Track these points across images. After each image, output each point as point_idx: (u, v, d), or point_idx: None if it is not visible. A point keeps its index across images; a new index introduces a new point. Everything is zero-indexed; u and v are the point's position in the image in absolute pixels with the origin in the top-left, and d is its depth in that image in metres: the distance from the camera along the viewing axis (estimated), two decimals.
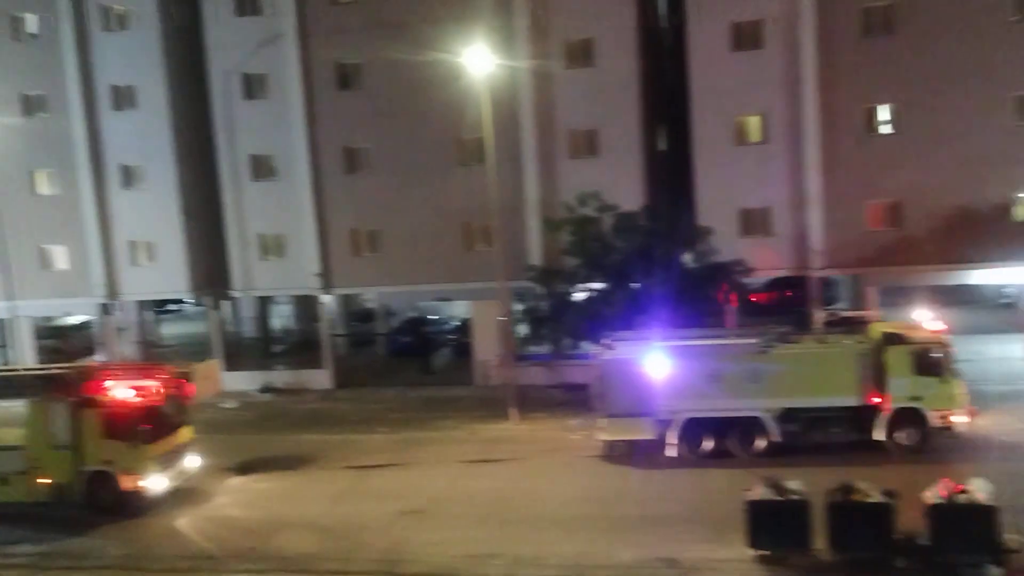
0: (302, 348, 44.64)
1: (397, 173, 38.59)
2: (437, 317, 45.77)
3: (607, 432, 26.30)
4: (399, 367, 40.57)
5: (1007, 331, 36.00)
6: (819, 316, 27.76)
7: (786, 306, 35.30)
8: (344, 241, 39.84)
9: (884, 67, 34.31)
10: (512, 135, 37.23)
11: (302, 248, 40.02)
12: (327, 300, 40.68)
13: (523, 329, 34.29)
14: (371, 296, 46.42)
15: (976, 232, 33.72)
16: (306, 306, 45.65)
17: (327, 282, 40.10)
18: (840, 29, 34.59)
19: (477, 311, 36.92)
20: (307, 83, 39.08)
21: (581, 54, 36.99)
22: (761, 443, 25.35)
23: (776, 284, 37.36)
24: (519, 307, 34.01)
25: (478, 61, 30.27)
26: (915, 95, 34.16)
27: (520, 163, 37.76)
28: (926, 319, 26.44)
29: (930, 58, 33.84)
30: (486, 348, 36.00)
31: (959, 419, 24.90)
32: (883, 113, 34.99)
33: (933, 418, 24.78)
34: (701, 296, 30.93)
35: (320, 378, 39.14)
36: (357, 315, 47.96)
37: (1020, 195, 33.85)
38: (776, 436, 25.26)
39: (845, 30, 34.57)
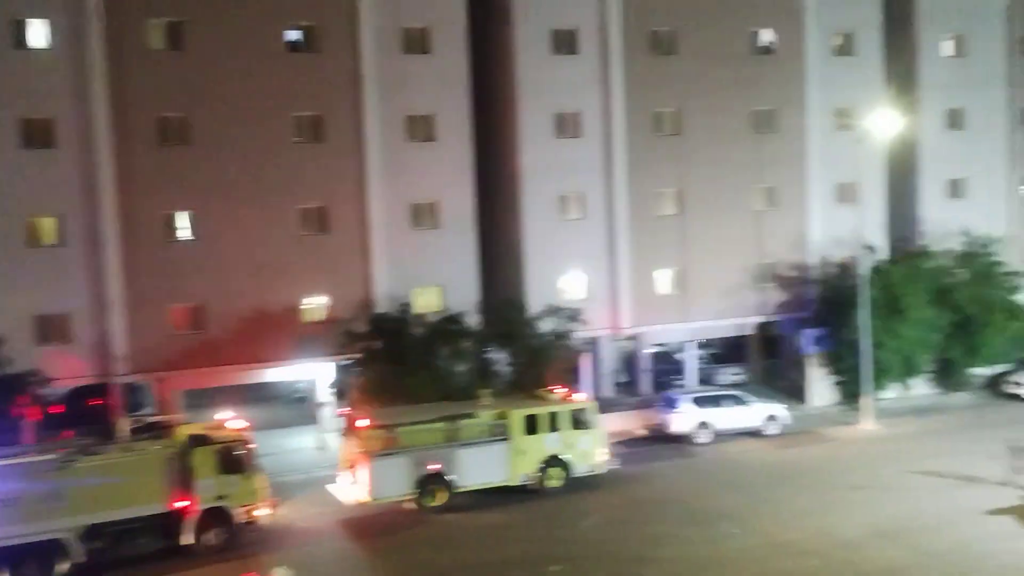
0: None
1: None
2: None
3: None
4: None
5: (302, 423, 39.11)
6: (125, 424, 27.06)
7: (90, 416, 33.74)
8: None
9: (182, 176, 35.60)
10: None
11: None
12: None
13: None
14: None
15: (271, 333, 36.41)
16: None
17: None
18: (137, 136, 35.05)
19: None
20: None
21: None
22: (63, 567, 23.62)
23: (78, 393, 35.62)
24: None
25: None
26: (211, 204, 36.00)
27: None
28: (229, 418, 27.45)
29: (225, 170, 36.04)
30: None
31: (263, 512, 26.23)
32: (182, 220, 36.09)
33: (239, 514, 25.71)
34: None
35: None
36: None
37: (306, 299, 37.48)
38: (81, 557, 23.79)
39: (142, 137, 35.13)
